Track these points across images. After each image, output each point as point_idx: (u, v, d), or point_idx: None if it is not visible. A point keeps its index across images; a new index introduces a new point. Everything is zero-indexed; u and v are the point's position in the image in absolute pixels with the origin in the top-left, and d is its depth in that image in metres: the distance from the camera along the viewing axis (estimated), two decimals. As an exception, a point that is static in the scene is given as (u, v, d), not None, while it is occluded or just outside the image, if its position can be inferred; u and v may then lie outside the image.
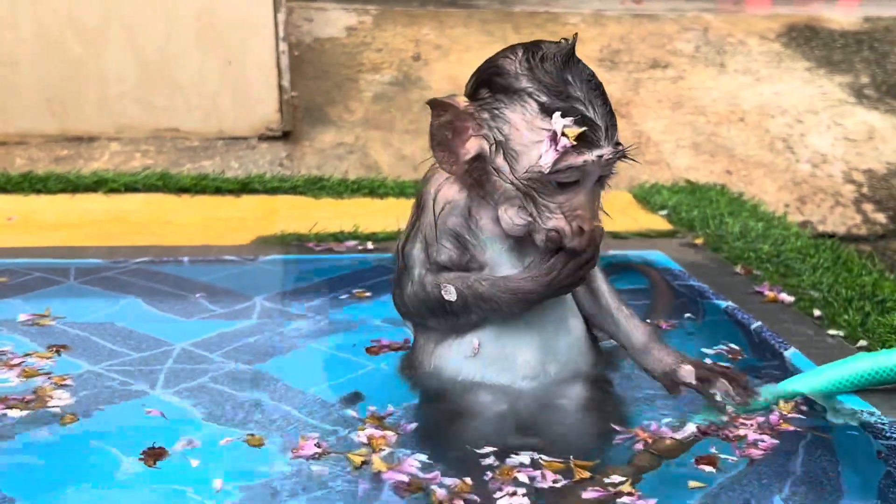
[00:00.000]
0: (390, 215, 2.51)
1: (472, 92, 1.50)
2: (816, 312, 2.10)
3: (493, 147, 1.46)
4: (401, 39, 4.75)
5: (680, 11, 5.41)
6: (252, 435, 1.49)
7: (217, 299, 2.21)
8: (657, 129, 4.21)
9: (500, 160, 1.46)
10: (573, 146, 1.39)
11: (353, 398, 1.65)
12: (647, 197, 3.32)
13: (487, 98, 1.47)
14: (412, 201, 1.68)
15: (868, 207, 3.89)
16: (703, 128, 4.26)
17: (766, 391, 1.60)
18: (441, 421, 1.57)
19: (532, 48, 1.46)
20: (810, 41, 5.11)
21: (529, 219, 1.47)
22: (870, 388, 1.62)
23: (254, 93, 3.81)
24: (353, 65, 4.50)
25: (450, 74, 4.37)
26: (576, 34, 1.48)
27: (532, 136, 1.42)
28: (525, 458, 1.40)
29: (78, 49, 3.70)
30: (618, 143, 1.44)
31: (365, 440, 1.47)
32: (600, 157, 1.40)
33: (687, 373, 1.59)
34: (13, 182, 3.21)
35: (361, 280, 2.36)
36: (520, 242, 1.54)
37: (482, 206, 1.54)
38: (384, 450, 1.44)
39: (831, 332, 1.99)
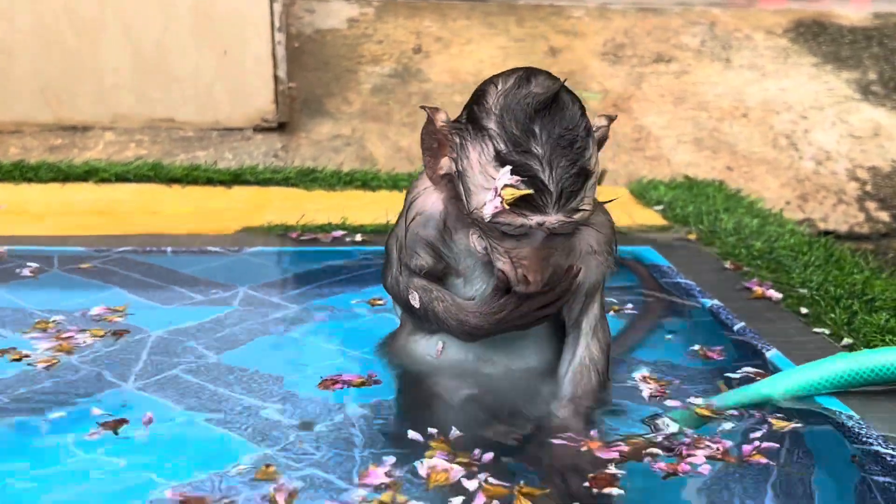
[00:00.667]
0: (381, 207, 2.51)
1: (464, 109, 1.44)
2: (804, 310, 2.06)
3: (456, 174, 1.41)
4: (402, 31, 4.71)
5: (687, 5, 5.35)
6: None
7: (198, 289, 2.19)
8: (658, 124, 4.16)
9: (461, 189, 1.40)
10: (515, 205, 1.31)
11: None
12: (643, 192, 3.27)
13: (463, 123, 1.41)
14: (404, 194, 1.64)
15: (871, 205, 3.83)
16: (706, 123, 4.21)
17: (737, 395, 1.56)
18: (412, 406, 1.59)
19: (520, 81, 1.36)
20: (818, 37, 5.04)
21: (486, 250, 1.44)
22: (849, 391, 1.58)
23: (249, 84, 3.79)
24: (353, 56, 4.47)
25: (450, 67, 4.33)
26: (565, 79, 1.38)
27: (482, 180, 1.34)
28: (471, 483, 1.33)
29: (74, 40, 3.68)
30: (573, 210, 1.32)
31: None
32: (541, 224, 1.32)
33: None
34: (4, 170, 3.19)
35: (345, 271, 2.34)
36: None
37: (459, 219, 1.49)
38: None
39: (816, 329, 1.95)
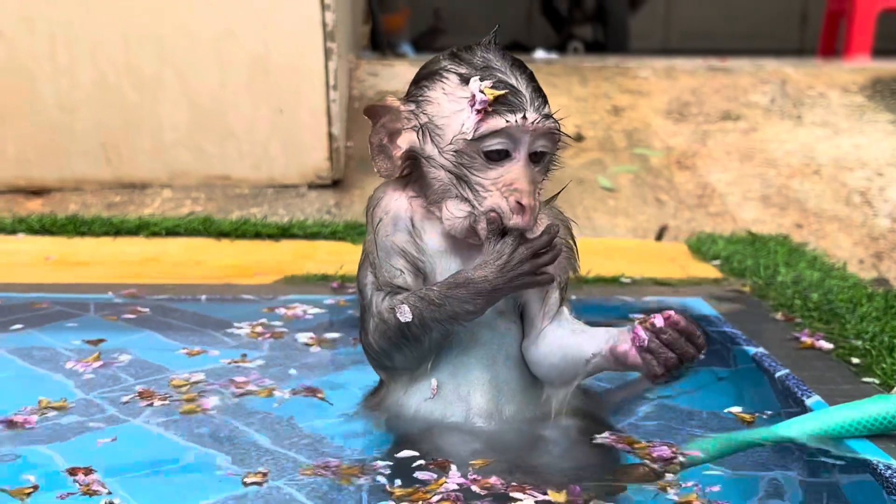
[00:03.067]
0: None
1: (406, 94, 1.48)
2: (855, 360, 1.92)
3: (421, 133, 1.42)
4: (464, 92, 4.70)
5: (759, 65, 5.25)
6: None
7: (226, 333, 2.16)
8: (723, 180, 4.04)
9: (428, 147, 1.41)
10: (494, 110, 1.33)
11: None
12: (700, 247, 3.15)
13: (413, 90, 1.45)
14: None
15: (951, 264, 3.63)
16: (774, 180, 4.06)
17: (769, 432, 1.44)
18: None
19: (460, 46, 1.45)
20: (896, 94, 4.87)
21: (468, 208, 1.38)
22: (885, 434, 1.44)
23: (304, 141, 3.80)
24: (413, 116, 4.47)
25: (510, 126, 4.29)
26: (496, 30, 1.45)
27: (453, 106, 1.38)
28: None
29: (134, 96, 3.76)
30: (548, 116, 1.36)
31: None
32: (524, 118, 1.33)
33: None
34: (59, 224, 3.25)
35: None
36: (469, 255, 1.43)
37: (426, 220, 1.47)
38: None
39: (865, 379, 1.80)
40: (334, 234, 3.23)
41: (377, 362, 1.56)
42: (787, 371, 1.83)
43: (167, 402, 1.70)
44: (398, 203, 1.47)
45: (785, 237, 3.28)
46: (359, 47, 5.85)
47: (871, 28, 7.10)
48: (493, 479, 1.31)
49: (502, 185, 1.36)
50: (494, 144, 1.35)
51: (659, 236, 3.61)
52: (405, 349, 1.47)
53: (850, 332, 2.10)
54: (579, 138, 4.14)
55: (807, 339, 2.06)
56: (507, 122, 1.33)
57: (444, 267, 1.46)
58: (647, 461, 1.41)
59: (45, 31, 3.73)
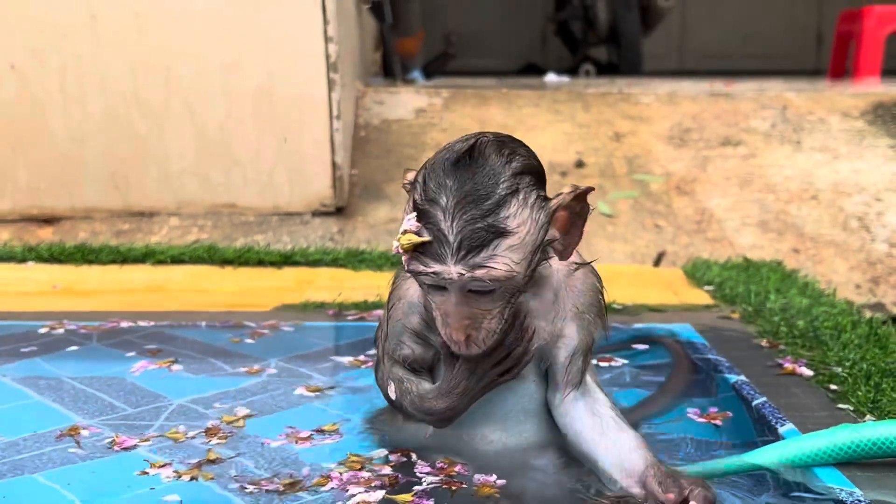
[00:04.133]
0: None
1: None
2: (833, 387, 1.96)
3: None
4: (468, 120, 4.78)
5: (760, 90, 5.30)
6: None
7: (226, 360, 2.22)
8: (722, 206, 4.08)
9: None
10: (419, 254, 1.31)
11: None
12: (695, 273, 3.19)
13: (411, 182, 1.41)
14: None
15: (948, 289, 3.65)
16: (772, 206, 4.10)
17: (731, 463, 1.48)
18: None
19: (460, 139, 1.38)
20: (897, 119, 4.90)
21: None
22: (851, 463, 1.48)
23: (308, 169, 3.88)
24: (416, 144, 4.54)
25: (512, 153, 4.35)
26: (480, 134, 1.37)
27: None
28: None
29: (142, 126, 3.85)
30: (477, 265, 1.30)
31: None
32: (437, 274, 1.31)
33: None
34: (66, 253, 3.32)
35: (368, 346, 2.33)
36: None
37: None
38: None
39: (841, 406, 1.85)
40: (336, 262, 3.29)
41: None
42: (763, 399, 1.87)
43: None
44: (412, 290, 1.51)
45: (779, 263, 3.32)
46: (368, 74, 5.94)
47: (881, 50, 7.15)
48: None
49: (442, 315, 1.37)
50: (426, 280, 1.35)
51: (657, 262, 3.66)
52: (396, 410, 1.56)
53: (832, 359, 2.14)
54: (580, 165, 4.20)
55: (789, 366, 2.10)
56: (423, 269, 1.32)
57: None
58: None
59: (56, 63, 3.83)
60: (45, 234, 3.79)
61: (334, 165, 3.86)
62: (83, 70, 3.83)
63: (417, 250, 1.31)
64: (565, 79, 7.77)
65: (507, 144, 1.36)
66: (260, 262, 3.28)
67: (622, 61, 8.91)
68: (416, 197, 1.32)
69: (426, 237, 1.30)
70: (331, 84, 3.80)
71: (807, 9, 11.27)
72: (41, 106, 3.86)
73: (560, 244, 1.40)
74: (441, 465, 1.50)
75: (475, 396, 1.44)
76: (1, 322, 2.51)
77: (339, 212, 3.94)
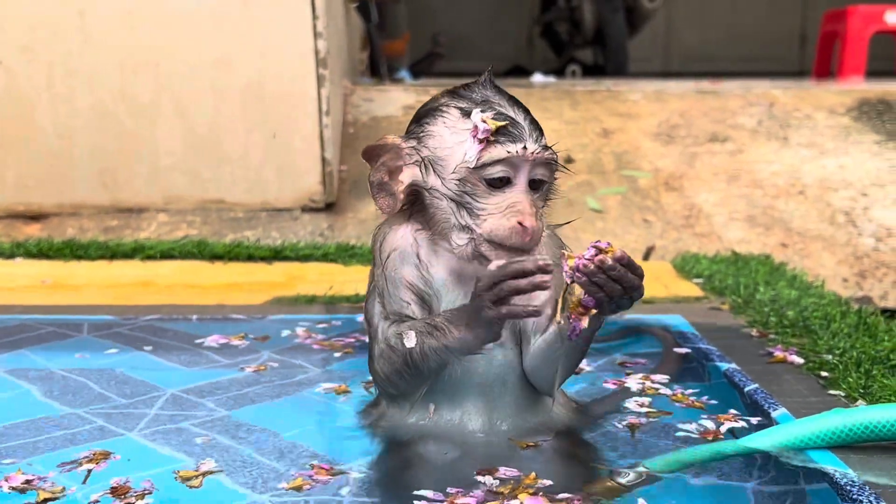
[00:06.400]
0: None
1: (406, 132, 1.54)
2: (824, 374, 1.97)
3: (423, 167, 1.48)
4: (456, 116, 4.77)
5: (747, 87, 5.32)
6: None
7: (219, 352, 2.22)
8: (710, 201, 4.10)
9: (431, 178, 1.47)
10: (496, 140, 1.40)
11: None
12: (684, 266, 3.21)
13: (413, 128, 1.51)
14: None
15: (935, 282, 3.68)
16: (760, 201, 4.12)
17: (731, 445, 1.49)
18: (394, 469, 1.53)
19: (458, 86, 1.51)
20: (882, 115, 4.94)
21: (469, 234, 1.44)
22: (846, 446, 1.49)
23: (298, 165, 3.87)
24: (405, 141, 4.54)
25: (501, 149, 4.35)
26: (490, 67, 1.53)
27: (455, 137, 1.45)
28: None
29: (130, 123, 3.83)
30: (546, 147, 1.43)
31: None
32: (524, 148, 1.40)
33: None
34: (55, 249, 3.31)
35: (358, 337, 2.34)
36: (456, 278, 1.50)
37: (432, 253, 1.52)
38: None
39: (832, 392, 1.86)
40: (326, 257, 3.29)
41: (382, 389, 1.62)
42: (755, 385, 1.88)
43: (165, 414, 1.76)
44: (404, 239, 1.53)
45: (767, 257, 3.34)
46: (355, 73, 5.94)
47: (865, 50, 7.20)
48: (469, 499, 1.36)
49: (505, 208, 1.42)
50: (497, 172, 1.42)
51: (646, 256, 3.67)
52: (406, 376, 1.51)
53: (822, 347, 2.15)
54: (569, 161, 4.20)
55: (779, 354, 2.11)
56: (509, 152, 1.40)
57: (450, 299, 1.51)
58: (616, 476, 1.46)
59: (44, 59, 3.82)
60: (33, 231, 3.77)
61: (324, 161, 3.86)
62: (71, 66, 3.82)
63: (492, 137, 1.40)
64: (552, 80, 7.79)
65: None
66: (250, 258, 3.28)
67: (608, 63, 8.95)
68: (463, 106, 1.45)
69: (502, 121, 1.41)
70: (320, 80, 3.80)
71: (791, 10, 11.35)
72: (29, 102, 3.84)
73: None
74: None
75: (498, 308, 1.37)
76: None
77: (329, 208, 3.93)
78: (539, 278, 1.34)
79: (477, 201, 1.43)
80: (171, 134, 3.83)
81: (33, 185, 3.90)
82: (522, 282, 1.34)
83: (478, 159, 1.41)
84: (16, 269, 3.18)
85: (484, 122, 1.40)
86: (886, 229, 3.97)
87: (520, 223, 1.41)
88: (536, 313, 1.40)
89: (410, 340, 1.47)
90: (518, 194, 1.43)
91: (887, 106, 5.04)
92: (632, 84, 5.90)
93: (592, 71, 9.00)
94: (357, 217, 3.92)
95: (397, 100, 5.06)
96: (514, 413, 1.58)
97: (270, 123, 3.84)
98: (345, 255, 3.30)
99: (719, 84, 6.08)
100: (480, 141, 1.41)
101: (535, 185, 1.46)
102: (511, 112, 1.43)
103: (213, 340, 2.29)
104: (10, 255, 3.29)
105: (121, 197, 3.89)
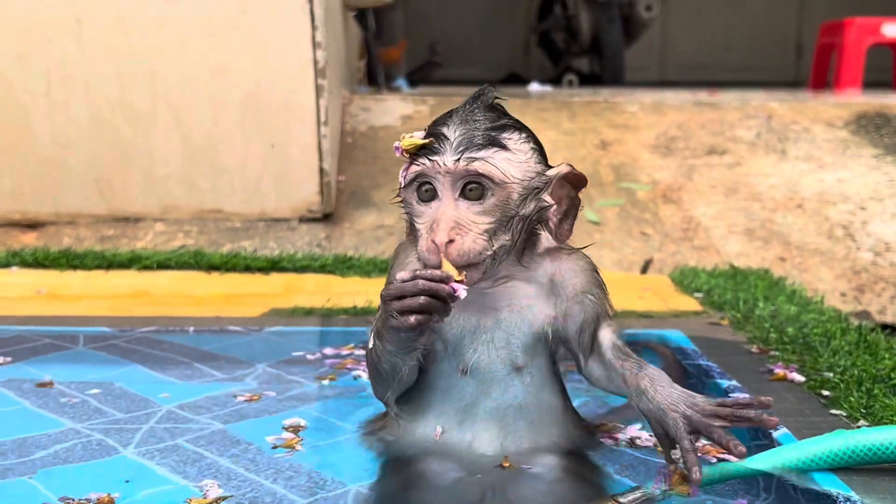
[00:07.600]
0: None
1: None
2: (825, 393, 1.96)
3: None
4: (454, 127, 4.76)
5: (745, 100, 5.32)
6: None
7: (216, 365, 2.21)
8: (708, 214, 4.09)
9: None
10: (418, 158, 1.39)
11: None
12: (683, 280, 3.20)
13: None
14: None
15: (933, 297, 3.68)
16: (758, 214, 4.12)
17: (729, 468, 1.48)
18: (397, 488, 1.50)
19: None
20: (881, 128, 4.94)
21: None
22: (849, 468, 1.48)
23: (295, 175, 3.86)
24: (403, 151, 4.52)
25: (499, 160, 4.34)
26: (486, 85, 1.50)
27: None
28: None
29: (127, 132, 3.82)
30: (471, 158, 1.36)
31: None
32: (432, 162, 1.37)
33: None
34: (51, 258, 3.30)
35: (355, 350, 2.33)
36: (475, 301, 1.47)
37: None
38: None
39: (833, 412, 1.85)
40: (323, 268, 3.28)
41: (375, 396, 1.61)
42: (757, 404, 1.87)
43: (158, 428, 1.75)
44: (409, 258, 1.53)
45: (766, 271, 3.33)
46: (353, 82, 5.93)
47: (862, 62, 7.22)
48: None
49: (429, 225, 1.39)
50: (418, 188, 1.41)
51: (644, 269, 3.66)
52: (374, 375, 1.53)
53: (823, 364, 2.14)
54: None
55: (780, 372, 2.10)
56: (422, 165, 1.39)
57: (456, 330, 1.51)
58: (618, 497, 1.45)
59: (41, 67, 3.80)
60: (29, 240, 3.75)
61: (322, 172, 3.84)
62: (68, 74, 3.80)
63: (417, 153, 1.39)
64: (548, 88, 7.79)
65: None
66: (247, 268, 3.27)
67: (604, 72, 8.96)
68: (429, 125, 1.43)
69: (427, 140, 1.39)
70: (318, 90, 3.79)
71: (787, 20, 11.38)
72: (25, 110, 3.82)
73: (554, 221, 1.48)
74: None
75: (384, 324, 1.39)
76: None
77: (327, 218, 3.92)
78: (424, 299, 1.31)
79: (416, 220, 1.44)
80: (168, 143, 3.82)
81: (29, 194, 3.88)
82: (407, 301, 1.32)
83: (404, 178, 1.43)
84: (11, 278, 3.16)
85: (399, 141, 1.41)
86: (885, 243, 3.97)
87: (432, 240, 1.37)
88: (412, 325, 1.33)
89: (370, 341, 1.49)
90: (437, 209, 1.39)
91: (885, 119, 5.04)
92: (629, 95, 5.90)
93: (589, 80, 9.01)
94: (354, 228, 3.91)
95: (395, 109, 5.05)
96: (527, 437, 1.56)
97: (268, 133, 3.83)
98: (342, 266, 3.29)
99: (717, 95, 6.08)
100: (407, 161, 1.42)
101: (471, 195, 1.39)
102: (449, 128, 1.39)
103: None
104: (6, 265, 3.27)
105: (117, 206, 3.87)
